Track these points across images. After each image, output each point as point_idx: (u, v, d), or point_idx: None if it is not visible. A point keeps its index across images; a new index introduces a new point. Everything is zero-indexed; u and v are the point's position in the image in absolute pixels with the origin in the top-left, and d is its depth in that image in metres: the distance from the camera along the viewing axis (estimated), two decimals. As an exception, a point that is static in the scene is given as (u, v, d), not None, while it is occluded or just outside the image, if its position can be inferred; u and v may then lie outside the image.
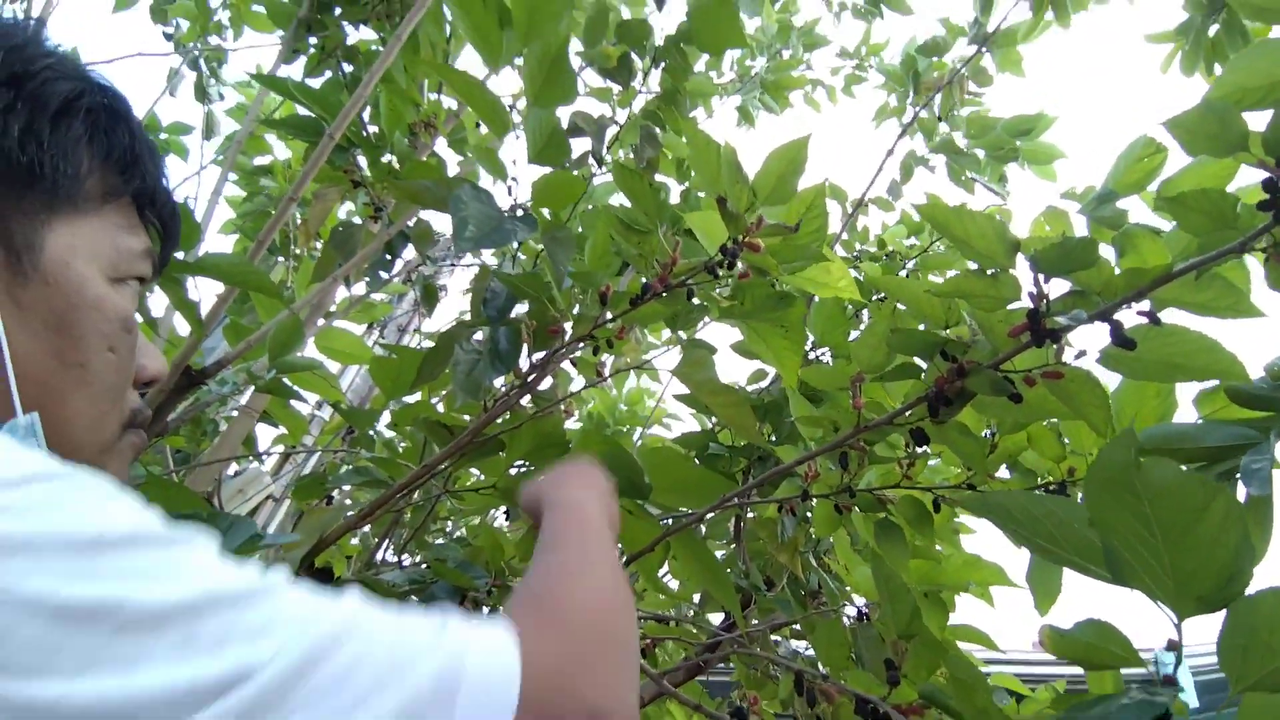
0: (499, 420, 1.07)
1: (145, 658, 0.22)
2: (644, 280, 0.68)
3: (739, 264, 0.59)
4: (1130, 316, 0.56)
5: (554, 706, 0.28)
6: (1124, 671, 0.50)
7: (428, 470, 0.92)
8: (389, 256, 1.30)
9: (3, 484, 0.23)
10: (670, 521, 0.98)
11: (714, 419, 1.71)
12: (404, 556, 1.63)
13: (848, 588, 1.33)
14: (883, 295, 1.76)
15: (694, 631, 1.56)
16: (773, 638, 1.52)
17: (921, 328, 0.67)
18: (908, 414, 0.67)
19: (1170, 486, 0.35)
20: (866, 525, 1.08)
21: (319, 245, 1.55)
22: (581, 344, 0.85)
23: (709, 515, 1.15)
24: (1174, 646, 0.37)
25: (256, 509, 2.19)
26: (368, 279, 1.32)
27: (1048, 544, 0.44)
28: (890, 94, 2.13)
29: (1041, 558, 0.44)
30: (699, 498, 1.00)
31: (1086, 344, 0.61)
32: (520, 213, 0.88)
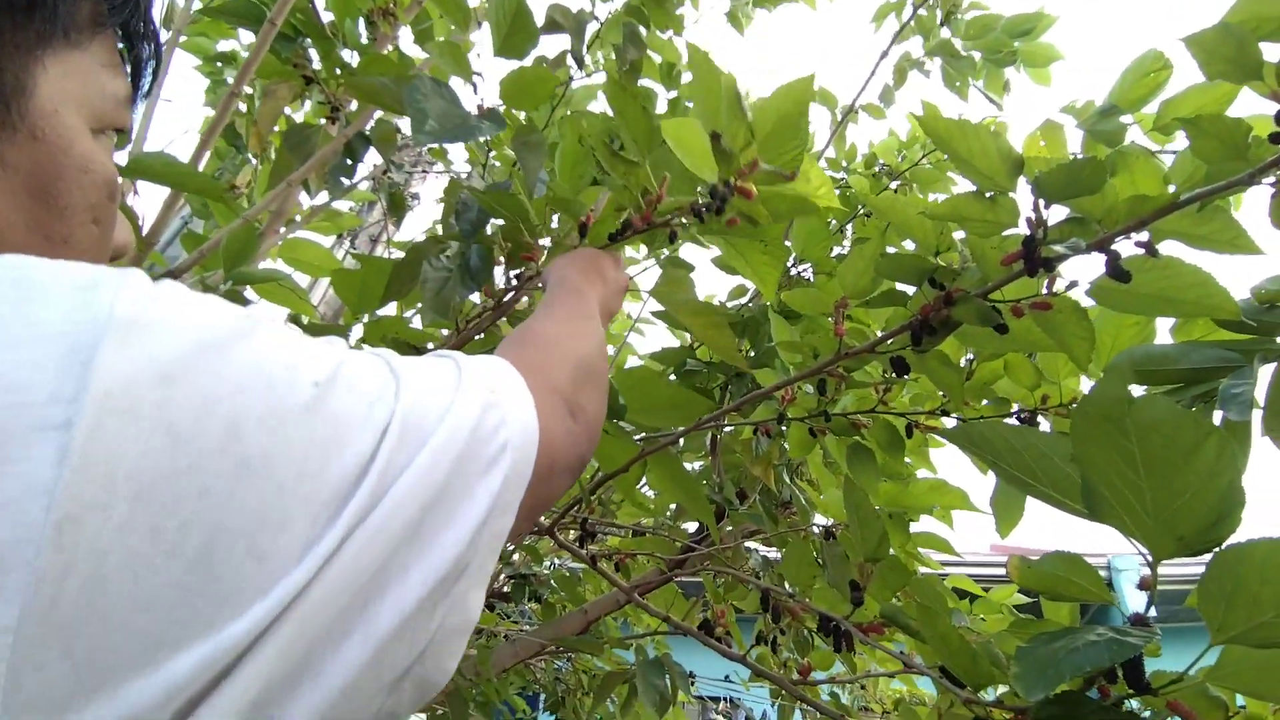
0: (475, 340, 1.04)
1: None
2: (625, 213, 0.64)
3: (727, 209, 0.55)
4: (1125, 247, 0.54)
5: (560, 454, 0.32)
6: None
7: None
8: (349, 161, 1.22)
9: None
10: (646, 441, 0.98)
11: (692, 339, 1.70)
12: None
13: (818, 507, 1.37)
14: (869, 211, 1.72)
15: (668, 542, 1.61)
16: (746, 544, 1.58)
17: (911, 249, 0.65)
18: (889, 342, 0.65)
19: (1161, 424, 0.34)
20: (840, 448, 1.10)
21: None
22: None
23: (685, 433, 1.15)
24: (1147, 585, 0.37)
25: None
26: (328, 185, 1.23)
27: (1026, 477, 0.44)
28: (892, -9, 2.00)
29: (1019, 490, 0.44)
30: (676, 418, 1.00)
31: (1076, 275, 0.59)
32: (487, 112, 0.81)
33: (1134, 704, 0.39)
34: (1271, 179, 0.42)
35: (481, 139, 0.85)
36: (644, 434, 1.40)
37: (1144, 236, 0.53)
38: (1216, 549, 0.33)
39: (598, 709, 1.71)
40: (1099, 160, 0.47)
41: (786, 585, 0.70)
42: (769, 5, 2.16)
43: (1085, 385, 0.94)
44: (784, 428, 1.10)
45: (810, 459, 1.40)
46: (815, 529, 1.37)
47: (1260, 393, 0.71)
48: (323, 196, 1.49)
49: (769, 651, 0.97)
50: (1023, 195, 0.55)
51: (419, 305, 1.04)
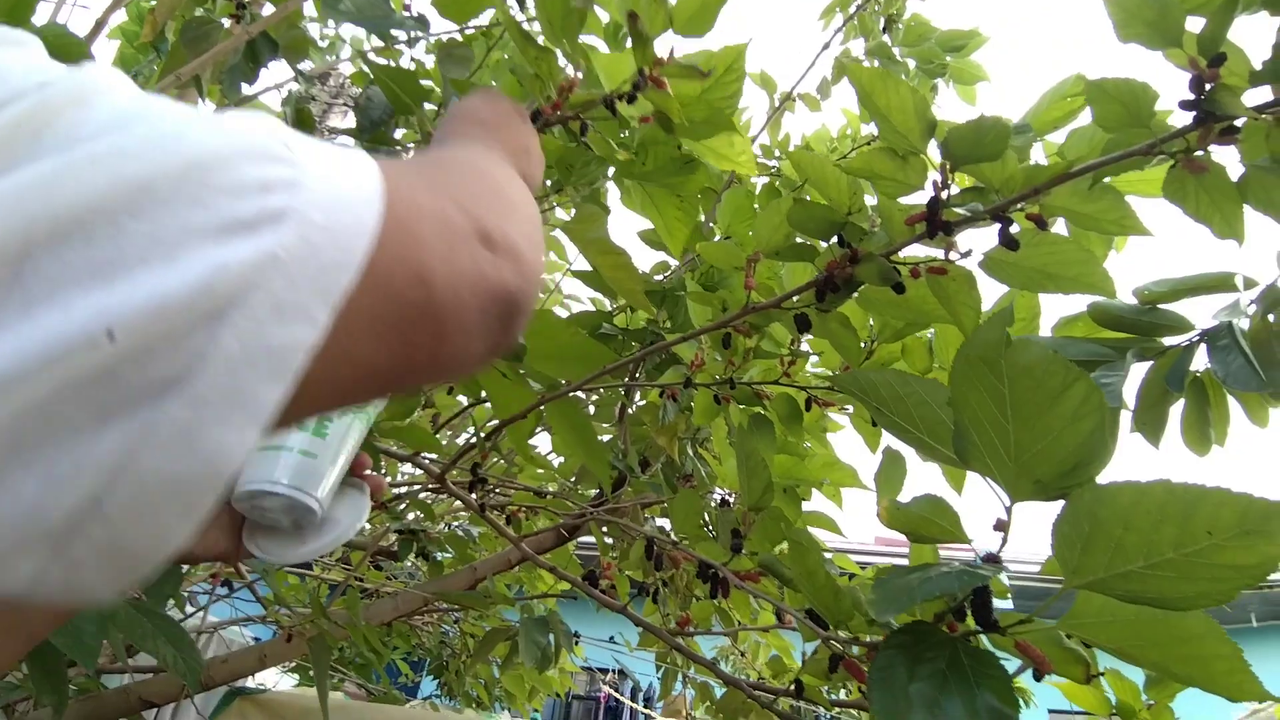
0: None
1: None
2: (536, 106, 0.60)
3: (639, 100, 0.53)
4: (1019, 222, 0.55)
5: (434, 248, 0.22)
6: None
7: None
8: (251, 64, 1.11)
9: None
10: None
11: (613, 303, 1.67)
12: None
13: (718, 479, 1.39)
14: (796, 196, 1.74)
15: (568, 505, 1.60)
16: (645, 514, 1.59)
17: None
18: (795, 299, 0.65)
19: (1032, 366, 0.35)
20: (743, 418, 1.11)
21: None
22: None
23: (594, 395, 1.13)
24: (1001, 527, 0.38)
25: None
26: (224, 87, 1.12)
27: (904, 422, 0.44)
28: (839, -15, 2.03)
29: (899, 436, 0.44)
30: (579, 367, 0.97)
31: (973, 245, 0.61)
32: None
33: (985, 643, 0.40)
34: (1176, 148, 0.44)
35: (402, 36, 0.79)
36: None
37: (1034, 210, 0.55)
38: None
39: (477, 668, 1.68)
40: (1003, 121, 0.48)
41: (672, 536, 0.70)
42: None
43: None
44: (691, 395, 1.10)
45: (714, 433, 1.42)
46: (712, 499, 1.39)
47: (1133, 396, 0.76)
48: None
49: (652, 605, 0.97)
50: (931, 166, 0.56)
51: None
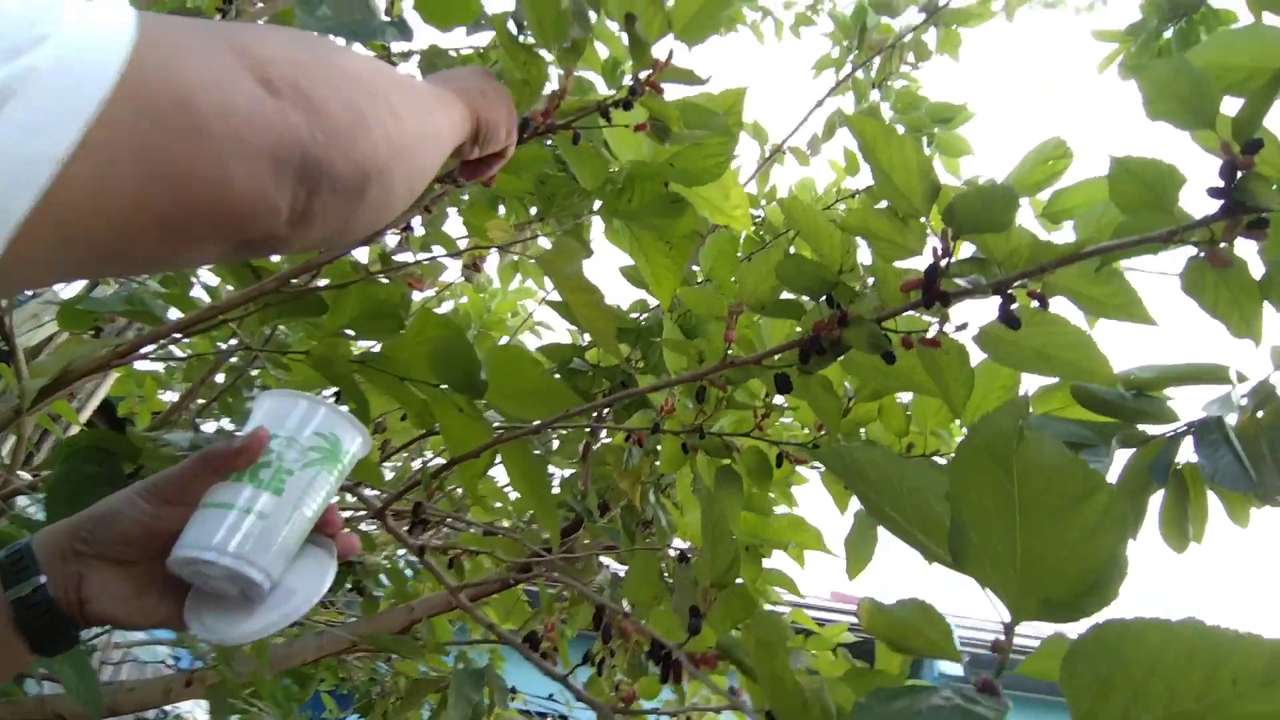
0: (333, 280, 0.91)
1: None
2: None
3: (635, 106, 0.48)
4: (1019, 298, 0.52)
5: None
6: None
7: (216, 312, 0.75)
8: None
9: None
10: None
11: (586, 337, 1.62)
12: (202, 418, 1.43)
13: (678, 530, 1.33)
14: (779, 245, 1.73)
15: (517, 545, 1.51)
16: (601, 559, 1.51)
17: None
18: (777, 357, 0.61)
19: (1048, 467, 0.30)
20: (710, 469, 1.06)
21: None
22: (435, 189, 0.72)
23: (559, 433, 1.07)
24: (1000, 649, 0.33)
25: (52, 338, 1.87)
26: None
27: (893, 510, 0.39)
28: (835, 46, 2.06)
29: (884, 525, 0.39)
30: (542, 408, 0.91)
31: (968, 318, 0.57)
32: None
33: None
34: (1198, 237, 0.41)
35: (382, 44, 0.75)
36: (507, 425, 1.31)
37: (1038, 288, 0.52)
38: (1088, 619, 0.29)
39: (407, 715, 1.57)
40: (1013, 192, 0.44)
41: (626, 604, 0.64)
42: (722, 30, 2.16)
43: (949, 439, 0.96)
44: (658, 440, 1.05)
45: (679, 481, 1.36)
46: (671, 550, 1.33)
47: (1114, 475, 0.73)
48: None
49: (599, 674, 0.90)
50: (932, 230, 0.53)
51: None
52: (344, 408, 0.44)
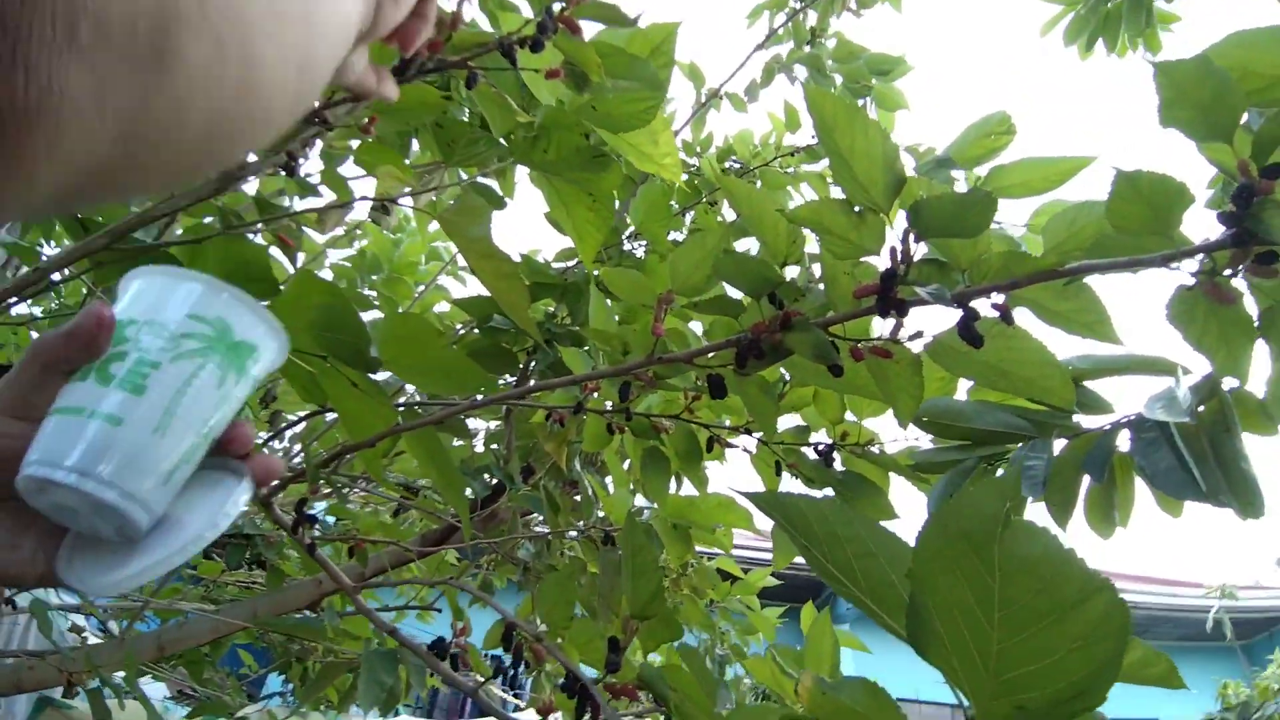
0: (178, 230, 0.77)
1: None
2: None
3: (547, 46, 0.39)
4: (981, 307, 0.47)
5: None
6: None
7: (44, 274, 0.61)
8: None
9: None
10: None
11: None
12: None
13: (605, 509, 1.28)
14: (713, 199, 1.65)
15: (437, 504, 1.43)
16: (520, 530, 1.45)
17: (754, 253, 0.54)
18: (710, 356, 0.54)
19: (1038, 565, 0.25)
20: (636, 449, 1.00)
21: None
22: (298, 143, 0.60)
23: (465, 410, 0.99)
24: (969, 766, 0.28)
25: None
26: None
27: (841, 574, 0.34)
28: (777, -14, 1.95)
29: (827, 582, 0.34)
30: (452, 384, 0.82)
31: (920, 324, 0.52)
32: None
33: None
34: (1198, 267, 0.36)
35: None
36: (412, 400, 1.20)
37: (1000, 299, 0.46)
38: None
39: (320, 691, 1.49)
40: (991, 199, 0.38)
41: (538, 619, 0.58)
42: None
43: (883, 428, 0.93)
44: (581, 417, 0.98)
45: (607, 451, 1.31)
46: (593, 531, 1.28)
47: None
48: None
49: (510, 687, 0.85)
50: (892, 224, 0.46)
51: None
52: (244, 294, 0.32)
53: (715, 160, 1.89)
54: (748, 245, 1.35)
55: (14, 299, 0.65)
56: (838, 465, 0.89)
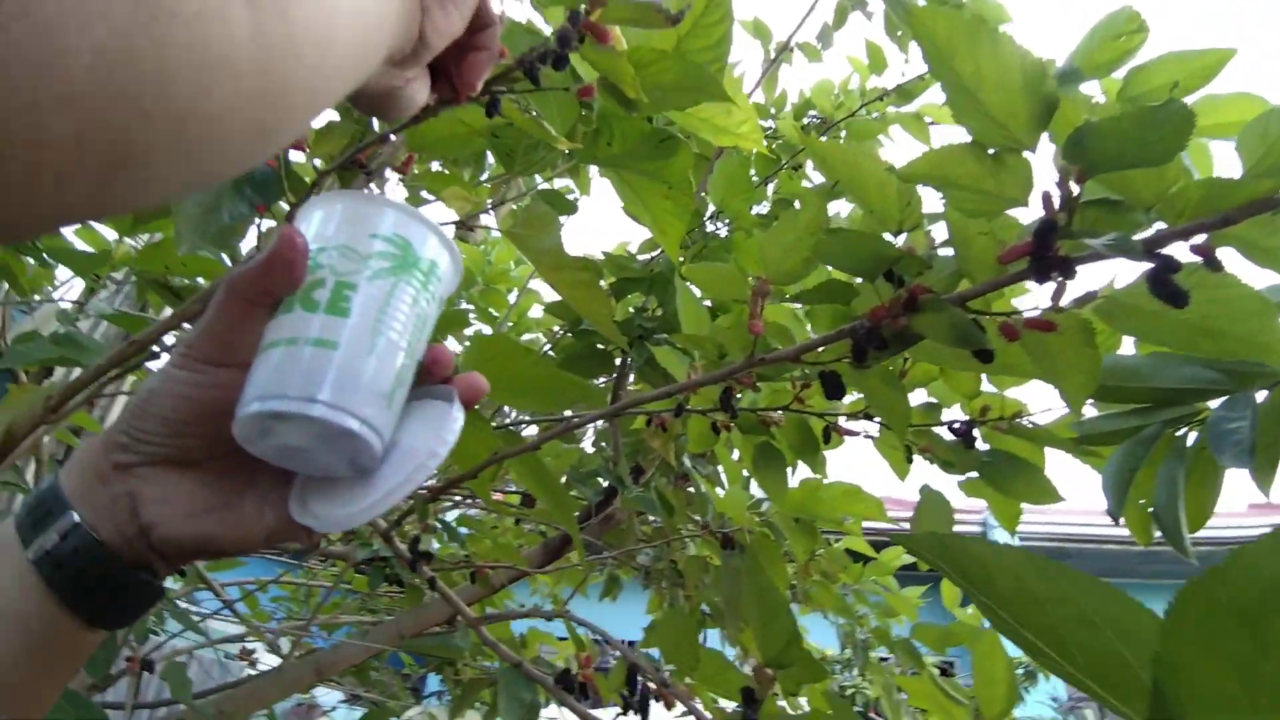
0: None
1: None
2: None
3: (572, 61, 0.33)
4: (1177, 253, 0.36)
5: None
6: None
7: (139, 347, 0.63)
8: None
9: None
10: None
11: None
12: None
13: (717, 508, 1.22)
14: (796, 163, 1.52)
15: (521, 554, 1.42)
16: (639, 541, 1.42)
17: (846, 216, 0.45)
18: (821, 350, 0.46)
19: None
20: (746, 446, 0.93)
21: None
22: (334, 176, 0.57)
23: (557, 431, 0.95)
24: None
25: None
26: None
27: (1045, 644, 0.26)
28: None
29: (1020, 647, 0.26)
30: (546, 400, 0.79)
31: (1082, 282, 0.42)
32: None
33: None
34: None
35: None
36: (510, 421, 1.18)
37: (1200, 240, 0.35)
38: None
39: (469, 704, 1.55)
40: (1189, 111, 0.28)
41: (662, 660, 0.53)
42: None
43: (1031, 397, 0.81)
44: (683, 425, 0.93)
45: (718, 446, 1.24)
46: (706, 531, 1.22)
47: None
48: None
49: None
50: (1043, 161, 0.36)
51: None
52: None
53: (793, 118, 1.75)
54: (836, 209, 1.22)
55: (114, 371, 0.67)
56: (980, 444, 0.78)
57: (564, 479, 1.49)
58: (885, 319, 0.41)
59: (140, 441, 0.27)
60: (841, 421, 0.85)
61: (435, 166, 1.04)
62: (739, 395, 0.77)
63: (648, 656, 0.68)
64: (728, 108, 0.71)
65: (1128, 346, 0.62)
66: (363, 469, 0.28)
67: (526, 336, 1.97)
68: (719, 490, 1.23)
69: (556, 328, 1.63)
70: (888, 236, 0.43)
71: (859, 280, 0.43)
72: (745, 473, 1.26)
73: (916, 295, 0.40)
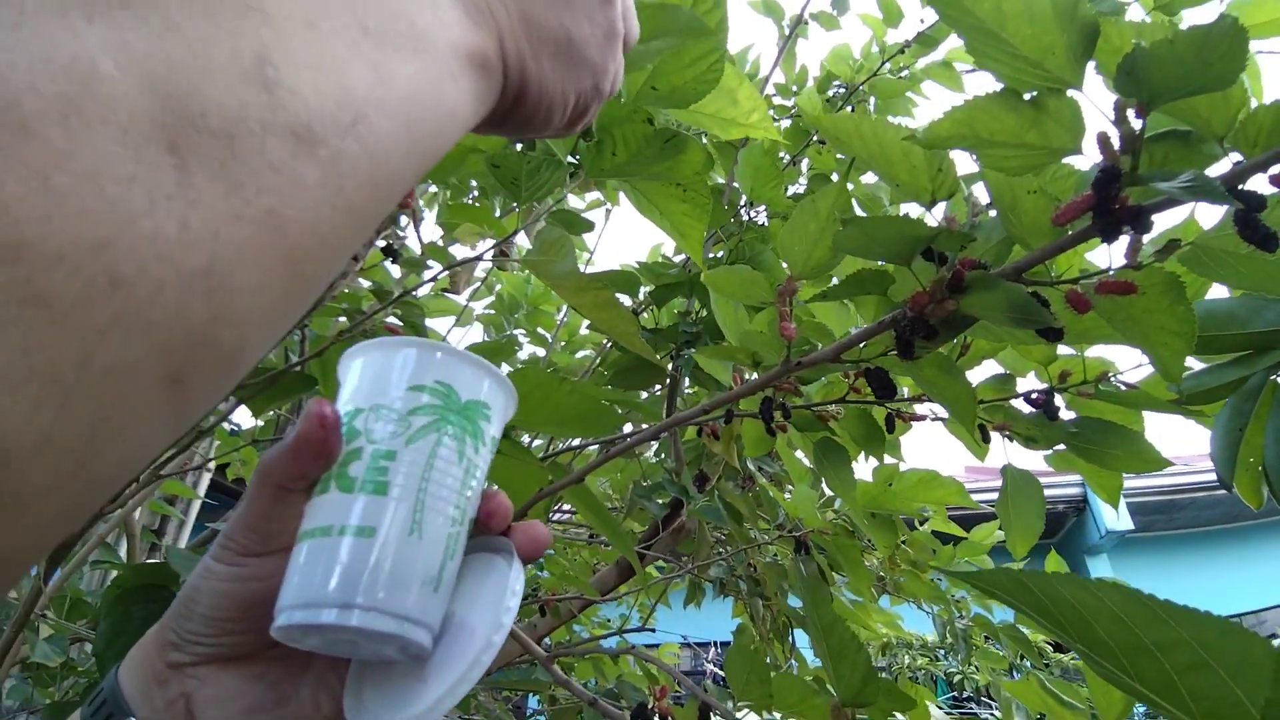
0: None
1: None
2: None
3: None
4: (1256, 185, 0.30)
5: None
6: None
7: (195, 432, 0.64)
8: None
9: None
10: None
11: (639, 296, 1.45)
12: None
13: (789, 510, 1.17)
14: (824, 138, 1.45)
15: (622, 538, 1.40)
16: (716, 548, 1.38)
17: (889, 203, 0.40)
18: (862, 346, 0.42)
19: None
20: (806, 444, 0.88)
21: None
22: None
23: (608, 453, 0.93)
24: None
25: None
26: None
27: (1158, 692, 0.21)
28: None
29: (1123, 690, 0.21)
30: (588, 427, 0.76)
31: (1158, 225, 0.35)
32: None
33: None
34: None
35: None
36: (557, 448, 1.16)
37: (1277, 169, 0.29)
38: None
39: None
40: (1240, 24, 0.23)
41: (734, 697, 0.49)
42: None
43: (1118, 355, 0.73)
44: (737, 428, 0.88)
45: (778, 444, 1.19)
46: (780, 534, 1.17)
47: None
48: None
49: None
50: (1092, 99, 0.31)
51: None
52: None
53: (815, 92, 1.68)
54: (873, 179, 1.15)
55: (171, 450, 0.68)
56: (1065, 413, 0.71)
57: (629, 494, 1.46)
58: (929, 305, 0.36)
59: (189, 642, 0.26)
60: (908, 406, 0.79)
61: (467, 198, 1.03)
62: (781, 401, 0.72)
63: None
64: (731, 96, 0.67)
65: (1217, 289, 0.55)
66: (416, 656, 0.26)
67: (580, 353, 1.97)
68: (786, 491, 1.18)
69: (606, 341, 1.61)
70: (920, 210, 0.38)
71: (894, 267, 0.38)
72: (810, 467, 1.20)
73: (963, 272, 0.35)
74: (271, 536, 0.26)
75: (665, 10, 0.37)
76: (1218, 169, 0.30)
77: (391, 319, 0.87)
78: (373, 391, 0.27)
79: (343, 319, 1.02)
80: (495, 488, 0.29)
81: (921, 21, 1.50)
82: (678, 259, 1.52)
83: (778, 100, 1.73)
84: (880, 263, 0.37)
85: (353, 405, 0.27)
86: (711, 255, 1.34)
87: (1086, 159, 0.30)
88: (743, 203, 1.40)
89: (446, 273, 1.28)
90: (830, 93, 1.68)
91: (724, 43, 0.53)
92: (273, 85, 0.15)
